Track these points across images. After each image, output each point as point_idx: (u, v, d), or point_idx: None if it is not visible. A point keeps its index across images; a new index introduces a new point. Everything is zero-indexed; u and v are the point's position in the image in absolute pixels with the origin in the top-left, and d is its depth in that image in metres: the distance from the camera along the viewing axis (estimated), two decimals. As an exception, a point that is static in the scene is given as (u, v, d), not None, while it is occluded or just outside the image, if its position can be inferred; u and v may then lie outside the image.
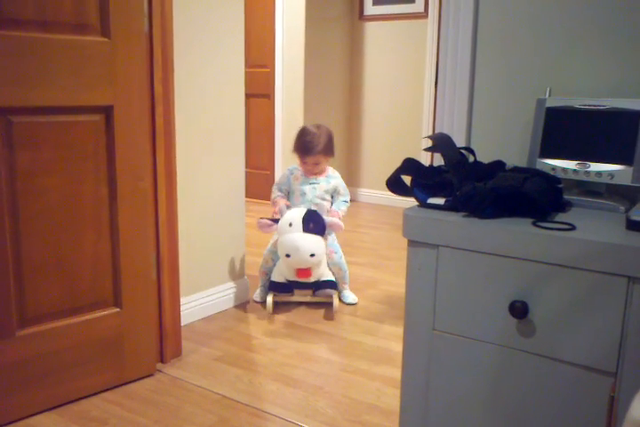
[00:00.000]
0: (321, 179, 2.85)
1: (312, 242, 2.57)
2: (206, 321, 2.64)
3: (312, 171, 2.83)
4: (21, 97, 1.73)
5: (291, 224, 2.59)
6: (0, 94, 1.68)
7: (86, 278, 1.95)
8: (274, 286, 2.76)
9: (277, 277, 2.76)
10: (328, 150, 2.82)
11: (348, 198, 2.91)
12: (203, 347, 2.39)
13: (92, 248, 1.94)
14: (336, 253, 2.86)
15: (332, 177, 2.88)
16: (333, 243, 2.87)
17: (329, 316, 2.71)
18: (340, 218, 2.75)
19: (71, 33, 1.79)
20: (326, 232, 2.67)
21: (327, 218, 2.66)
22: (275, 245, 2.76)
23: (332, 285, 2.76)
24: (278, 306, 2.82)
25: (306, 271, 2.64)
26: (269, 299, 2.74)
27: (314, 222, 2.61)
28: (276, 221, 2.67)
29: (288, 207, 2.73)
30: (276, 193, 2.88)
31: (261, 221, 2.68)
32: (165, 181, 2.12)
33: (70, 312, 1.93)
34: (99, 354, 2.01)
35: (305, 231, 2.58)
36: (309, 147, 2.77)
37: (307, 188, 2.82)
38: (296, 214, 2.63)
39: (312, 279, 2.69)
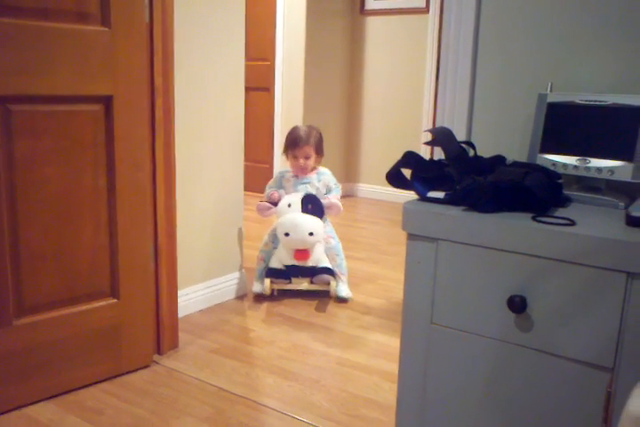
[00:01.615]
0: (312, 177, 2.88)
1: (311, 221, 2.66)
2: (203, 313, 2.64)
3: (303, 167, 2.83)
4: (20, 86, 1.72)
5: (290, 205, 2.70)
6: (-1, 83, 1.68)
7: (84, 269, 1.94)
8: (271, 273, 2.78)
9: (275, 263, 2.79)
10: (318, 146, 2.86)
11: (339, 190, 2.93)
12: (199, 339, 2.39)
13: (89, 239, 1.94)
14: (333, 238, 2.90)
15: (322, 173, 2.91)
16: (331, 229, 2.92)
17: (325, 302, 2.72)
18: (336, 200, 2.81)
19: (72, 22, 1.78)
20: (324, 216, 2.75)
21: (325, 200, 2.75)
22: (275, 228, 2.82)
23: (328, 271, 2.78)
24: (275, 297, 2.82)
25: (304, 253, 2.70)
26: (267, 281, 2.76)
27: (312, 204, 2.69)
28: (275, 204, 2.75)
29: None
30: (270, 189, 2.92)
31: (260, 204, 2.77)
32: (164, 172, 2.12)
33: (68, 302, 1.93)
34: (95, 345, 2.01)
35: (304, 212, 2.67)
36: (300, 138, 2.81)
37: (299, 187, 2.86)
38: (295, 197, 2.73)
39: (310, 263, 2.74)
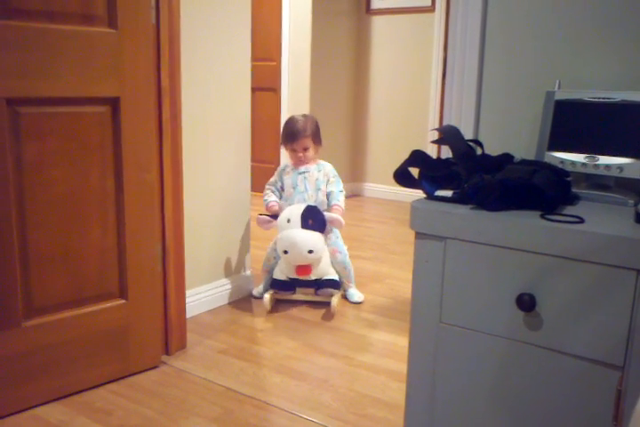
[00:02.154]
0: (311, 167, 2.77)
1: (310, 238, 2.54)
2: (211, 314, 2.64)
3: (302, 159, 2.75)
4: (28, 88, 1.73)
5: (289, 220, 2.57)
6: (7, 85, 1.69)
7: (92, 270, 1.95)
8: (275, 284, 2.70)
9: (279, 274, 2.71)
10: (316, 136, 2.77)
11: (341, 186, 2.81)
12: (207, 339, 2.39)
13: (98, 240, 1.94)
14: (340, 252, 2.79)
15: (322, 165, 2.81)
16: (337, 241, 2.80)
17: (328, 316, 2.64)
18: (342, 212, 2.70)
19: (78, 24, 1.78)
20: (327, 228, 2.63)
21: (327, 214, 2.63)
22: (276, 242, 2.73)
23: (334, 284, 2.69)
24: (279, 302, 2.78)
25: (305, 268, 2.60)
26: (267, 296, 2.69)
27: (313, 219, 2.57)
28: (276, 217, 2.64)
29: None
30: (270, 197, 2.80)
31: (260, 217, 2.65)
32: (171, 173, 2.12)
33: (76, 304, 1.94)
34: (104, 346, 2.01)
35: (303, 228, 2.55)
36: (297, 131, 2.72)
37: (298, 179, 2.75)
38: (295, 211, 2.59)
39: (312, 277, 2.65)
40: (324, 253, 2.65)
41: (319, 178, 2.76)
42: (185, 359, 2.23)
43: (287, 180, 2.78)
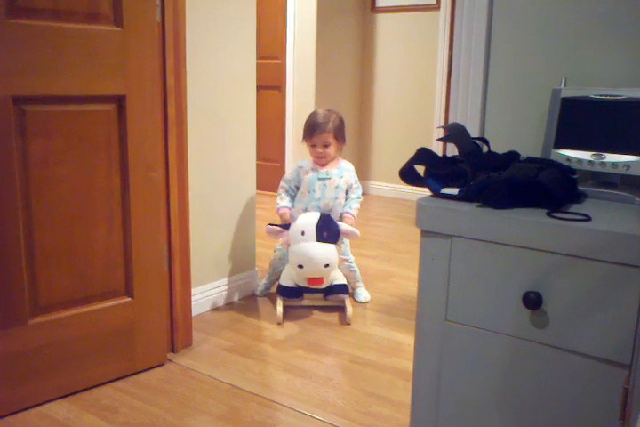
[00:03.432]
0: (333, 172, 2.61)
1: (326, 252, 2.43)
2: (217, 312, 2.65)
3: (322, 156, 2.59)
4: (34, 86, 1.73)
5: (303, 233, 2.44)
6: (13, 83, 1.69)
7: (98, 268, 1.95)
8: (283, 292, 2.62)
9: (287, 281, 2.63)
10: (338, 132, 2.61)
11: (360, 193, 2.70)
12: (213, 337, 2.40)
13: (103, 238, 1.95)
14: (347, 259, 2.77)
15: (344, 169, 2.65)
16: (345, 249, 2.76)
17: (343, 321, 2.59)
18: (354, 221, 2.62)
19: (84, 22, 1.79)
20: (340, 238, 2.54)
21: (342, 225, 2.51)
22: (283, 244, 2.68)
23: (344, 289, 2.63)
24: (286, 308, 2.71)
25: (319, 280, 2.50)
26: (279, 309, 2.60)
27: (328, 230, 2.45)
28: (286, 226, 2.53)
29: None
30: (282, 200, 2.67)
31: (270, 227, 2.52)
32: (177, 171, 2.13)
33: (82, 301, 1.94)
34: (110, 343, 2.02)
35: (319, 241, 2.43)
36: (318, 124, 2.57)
37: (316, 185, 2.59)
38: (309, 221, 2.46)
39: (324, 286, 2.57)
40: (336, 265, 2.57)
41: (339, 185, 2.62)
42: (191, 357, 2.23)
43: (305, 180, 2.61)
